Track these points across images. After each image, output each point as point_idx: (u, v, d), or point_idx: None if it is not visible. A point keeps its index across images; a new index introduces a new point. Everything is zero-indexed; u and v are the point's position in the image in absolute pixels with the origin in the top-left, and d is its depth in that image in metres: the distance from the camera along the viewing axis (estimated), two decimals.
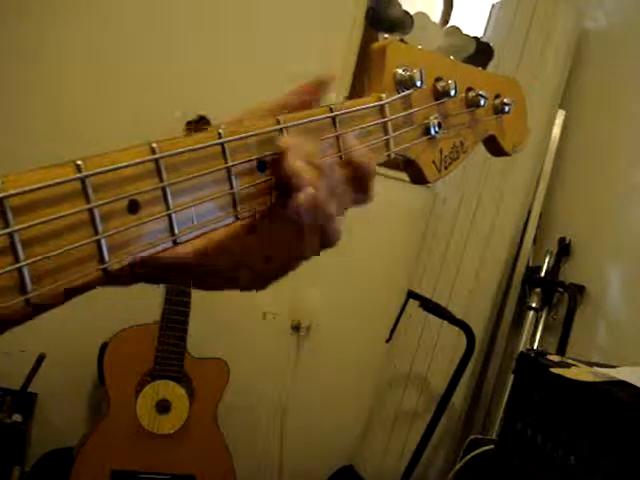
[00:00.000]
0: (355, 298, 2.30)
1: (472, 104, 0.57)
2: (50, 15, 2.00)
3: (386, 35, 0.52)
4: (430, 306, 1.95)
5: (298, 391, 2.32)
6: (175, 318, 1.80)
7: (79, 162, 0.31)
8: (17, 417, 1.83)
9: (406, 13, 0.42)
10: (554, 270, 2.12)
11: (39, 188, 0.29)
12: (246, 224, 0.43)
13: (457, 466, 1.62)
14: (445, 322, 1.99)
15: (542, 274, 2.14)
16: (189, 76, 2.12)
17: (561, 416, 1.14)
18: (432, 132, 0.52)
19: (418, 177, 0.54)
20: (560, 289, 2.08)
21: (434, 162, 0.54)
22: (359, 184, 0.45)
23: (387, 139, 0.49)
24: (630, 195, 1.93)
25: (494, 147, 0.64)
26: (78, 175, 0.30)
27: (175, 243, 0.35)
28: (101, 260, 0.32)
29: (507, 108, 0.61)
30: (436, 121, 0.53)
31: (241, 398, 2.11)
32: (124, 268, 0.34)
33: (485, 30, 2.26)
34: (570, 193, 2.14)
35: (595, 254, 2.03)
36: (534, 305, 2.14)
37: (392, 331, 2.07)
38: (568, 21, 2.18)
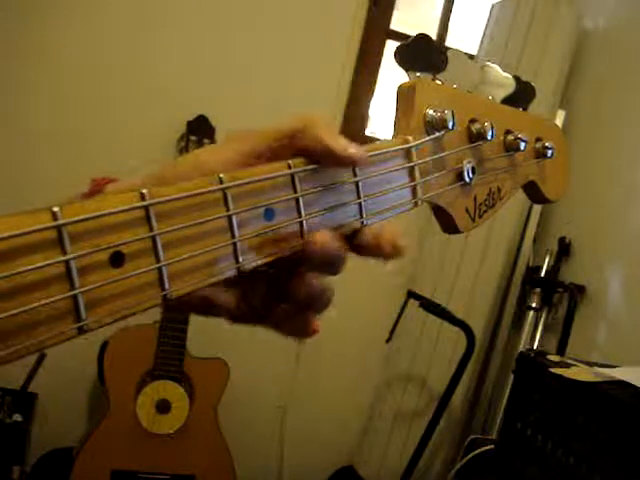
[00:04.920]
0: (355, 298, 2.30)
1: (511, 148, 0.53)
2: (51, 15, 2.00)
3: (418, 74, 0.49)
4: (430, 306, 1.95)
5: (298, 391, 2.32)
6: (175, 318, 1.80)
7: (55, 209, 0.28)
8: (17, 417, 1.83)
9: (439, 50, 0.42)
10: (554, 270, 2.12)
11: (10, 237, 0.26)
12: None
13: (457, 466, 1.62)
14: (445, 322, 1.99)
15: (542, 274, 2.14)
16: (189, 76, 2.12)
17: (561, 416, 1.14)
18: (465, 178, 0.49)
19: (449, 226, 0.50)
20: (560, 289, 2.08)
21: (467, 210, 0.50)
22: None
23: (414, 185, 0.45)
24: (630, 195, 1.93)
25: (534, 193, 0.60)
26: (53, 223, 0.27)
27: (166, 299, 0.32)
28: (77, 318, 0.29)
29: (549, 152, 0.56)
30: (470, 166, 0.49)
31: (241, 398, 2.11)
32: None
33: (485, 30, 2.26)
34: (570, 193, 2.14)
35: (595, 254, 2.03)
36: (534, 305, 2.14)
37: (392, 331, 2.07)
38: (568, 21, 2.18)
